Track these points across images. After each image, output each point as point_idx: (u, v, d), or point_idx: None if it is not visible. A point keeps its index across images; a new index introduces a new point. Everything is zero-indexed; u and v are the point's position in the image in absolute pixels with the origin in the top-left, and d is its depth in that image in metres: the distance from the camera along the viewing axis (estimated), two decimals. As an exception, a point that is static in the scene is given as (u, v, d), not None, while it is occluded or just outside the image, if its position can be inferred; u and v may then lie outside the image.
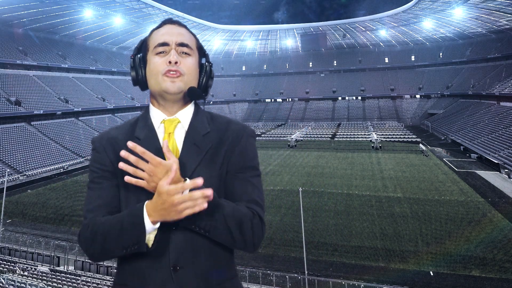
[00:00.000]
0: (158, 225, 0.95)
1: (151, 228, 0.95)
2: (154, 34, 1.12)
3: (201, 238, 1.02)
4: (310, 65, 74.87)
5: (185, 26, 1.15)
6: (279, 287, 11.63)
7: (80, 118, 42.07)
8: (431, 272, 12.15)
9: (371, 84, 66.75)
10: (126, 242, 0.96)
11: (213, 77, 1.18)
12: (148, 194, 0.99)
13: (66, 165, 30.13)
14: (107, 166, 1.09)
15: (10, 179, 24.37)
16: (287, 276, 11.50)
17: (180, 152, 1.08)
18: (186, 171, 1.04)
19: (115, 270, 12.59)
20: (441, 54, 65.01)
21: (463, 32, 59.76)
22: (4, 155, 28.48)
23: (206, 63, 1.17)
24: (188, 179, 0.95)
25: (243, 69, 77.70)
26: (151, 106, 1.16)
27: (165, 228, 0.99)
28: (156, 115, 1.12)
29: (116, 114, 48.01)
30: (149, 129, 1.11)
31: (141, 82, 1.13)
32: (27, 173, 27.02)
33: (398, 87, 64.86)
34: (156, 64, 1.07)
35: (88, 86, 48.71)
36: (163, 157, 1.01)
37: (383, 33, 66.88)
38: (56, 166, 29.54)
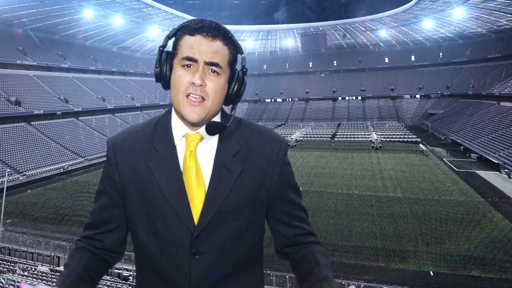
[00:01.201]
0: None
1: None
2: (185, 40, 0.97)
3: (226, 268, 0.97)
4: (310, 65, 74.88)
5: (222, 36, 0.98)
6: (279, 287, 11.64)
7: (80, 118, 42.07)
8: (431, 272, 12.14)
9: (371, 84, 66.75)
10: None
11: (245, 86, 1.05)
12: (150, 226, 0.98)
13: (66, 165, 30.13)
14: (115, 183, 1.03)
15: (10, 179, 24.37)
16: (287, 276, 11.50)
17: (210, 176, 0.97)
18: (217, 198, 0.95)
19: (115, 271, 12.62)
20: (441, 54, 65.02)
21: (463, 32, 59.77)
22: (4, 155, 28.48)
23: (239, 70, 1.04)
24: None
25: (243, 69, 77.66)
26: (173, 114, 1.04)
27: (186, 255, 0.95)
28: (178, 126, 1.01)
29: (116, 114, 48.01)
30: (169, 143, 1.00)
31: (163, 82, 1.01)
32: (27, 173, 27.02)
33: (398, 87, 64.86)
34: (179, 78, 0.95)
35: (88, 86, 48.71)
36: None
37: (383, 33, 66.89)
38: (56, 166, 29.54)
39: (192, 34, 0.97)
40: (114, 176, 1.03)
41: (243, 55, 1.05)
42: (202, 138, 1.01)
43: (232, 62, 1.02)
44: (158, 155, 0.99)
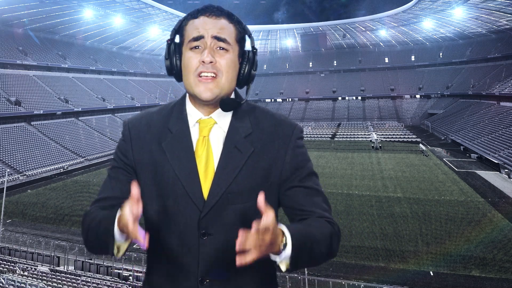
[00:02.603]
0: (129, 240, 0.88)
1: (120, 240, 0.87)
2: (189, 25, 0.99)
3: (234, 251, 0.95)
4: (310, 65, 74.87)
5: (226, 15, 0.99)
6: (279, 287, 11.62)
7: (80, 118, 42.06)
8: (431, 272, 12.14)
9: (371, 84, 66.74)
10: (98, 243, 0.93)
11: (257, 65, 1.04)
12: (160, 205, 0.97)
13: (66, 165, 30.13)
14: (128, 160, 1.03)
15: (10, 179, 24.36)
16: (287, 276, 11.49)
17: (219, 156, 0.97)
18: (225, 178, 0.95)
19: (115, 271, 12.62)
20: (441, 54, 65.01)
21: (463, 32, 59.76)
22: (4, 155, 28.48)
23: (249, 51, 1.03)
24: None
25: (243, 69, 77.64)
26: (187, 100, 1.05)
27: (195, 236, 0.95)
28: (192, 112, 1.03)
29: (116, 114, 48.00)
30: (184, 124, 1.01)
31: (175, 73, 1.02)
32: (27, 173, 27.01)
33: (398, 87, 64.85)
34: (189, 60, 0.96)
35: (88, 86, 48.70)
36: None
37: (383, 33, 66.89)
38: (56, 166, 29.54)
39: (196, 17, 0.98)
40: (128, 153, 1.04)
41: (251, 36, 1.03)
42: (215, 124, 1.01)
43: (240, 40, 1.01)
44: (171, 136, 1.00)
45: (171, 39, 1.02)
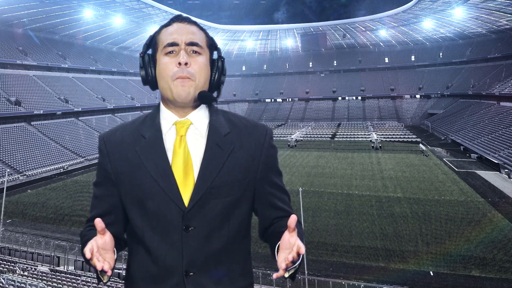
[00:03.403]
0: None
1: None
2: (163, 33, 1.06)
3: (217, 243, 1.02)
4: (310, 65, 74.87)
5: (195, 23, 1.09)
6: (279, 287, 11.64)
7: (80, 118, 42.07)
8: (431, 272, 12.15)
9: (371, 84, 66.75)
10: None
11: (226, 73, 1.13)
12: (142, 208, 1.02)
13: (66, 165, 30.13)
14: (108, 173, 1.08)
15: (10, 179, 24.37)
16: (287, 276, 11.48)
17: (202, 154, 1.03)
18: (209, 173, 1.01)
19: (115, 271, 12.64)
20: (441, 54, 65.01)
21: (463, 32, 59.76)
22: (4, 155, 28.48)
23: (218, 59, 1.12)
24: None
25: (243, 69, 77.66)
26: (162, 106, 1.11)
27: (178, 231, 0.99)
28: (168, 116, 1.08)
29: (116, 114, 48.00)
30: (156, 129, 1.07)
31: (151, 82, 1.08)
32: (27, 173, 27.02)
33: (398, 87, 64.86)
34: (165, 65, 1.03)
35: (88, 86, 48.70)
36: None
37: (383, 33, 66.89)
38: (56, 166, 29.54)
39: (169, 24, 1.08)
40: (107, 166, 1.08)
41: (218, 47, 1.13)
42: (191, 124, 1.07)
43: (210, 46, 1.11)
44: (145, 141, 1.05)
45: (144, 53, 1.09)
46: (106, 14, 48.52)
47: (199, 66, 1.04)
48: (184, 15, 1.11)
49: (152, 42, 1.09)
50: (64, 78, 46.98)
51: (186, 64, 1.01)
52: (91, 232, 1.03)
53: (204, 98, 1.06)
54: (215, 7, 78.89)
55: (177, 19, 1.08)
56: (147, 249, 1.02)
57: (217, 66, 1.11)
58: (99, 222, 0.90)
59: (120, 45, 63.37)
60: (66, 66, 48.51)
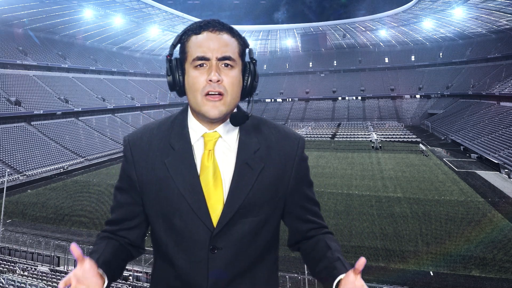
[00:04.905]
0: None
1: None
2: (192, 41, 0.97)
3: (243, 263, 0.99)
4: (310, 65, 74.88)
5: (226, 29, 0.99)
6: (279, 287, 11.61)
7: (80, 118, 42.06)
8: (431, 272, 12.14)
9: (371, 84, 66.75)
10: None
11: (258, 79, 1.05)
12: (167, 222, 1.00)
13: (66, 165, 30.12)
14: (133, 181, 1.04)
15: (10, 179, 24.36)
16: (287, 276, 11.49)
17: (232, 172, 0.98)
18: (238, 194, 0.97)
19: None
20: (441, 54, 65.01)
21: (463, 32, 59.76)
22: (4, 155, 28.48)
23: (250, 62, 1.03)
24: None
25: (243, 69, 77.60)
26: (189, 114, 1.05)
27: (204, 252, 0.96)
28: (195, 127, 1.02)
29: (116, 114, 48.00)
30: (185, 141, 1.01)
31: (178, 90, 1.01)
32: (27, 173, 27.01)
33: (398, 87, 64.85)
34: (194, 79, 0.95)
35: (88, 86, 48.70)
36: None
37: (383, 33, 66.88)
38: (56, 166, 29.54)
39: (198, 33, 0.97)
40: (132, 174, 1.04)
41: (250, 47, 1.05)
42: (219, 137, 1.02)
43: (242, 53, 1.02)
44: (174, 153, 1.00)
45: (170, 55, 1.01)
46: (106, 14, 48.51)
47: (231, 81, 0.96)
48: (214, 20, 1.00)
49: (180, 48, 1.01)
50: (64, 78, 46.98)
51: (218, 81, 0.94)
52: (101, 243, 1.04)
53: (236, 120, 1.00)
54: (215, 7, 78.96)
55: (207, 27, 0.97)
56: (171, 263, 1.00)
57: (250, 70, 1.03)
58: (74, 249, 0.85)
59: (120, 45, 63.35)
60: (66, 66, 48.50)
